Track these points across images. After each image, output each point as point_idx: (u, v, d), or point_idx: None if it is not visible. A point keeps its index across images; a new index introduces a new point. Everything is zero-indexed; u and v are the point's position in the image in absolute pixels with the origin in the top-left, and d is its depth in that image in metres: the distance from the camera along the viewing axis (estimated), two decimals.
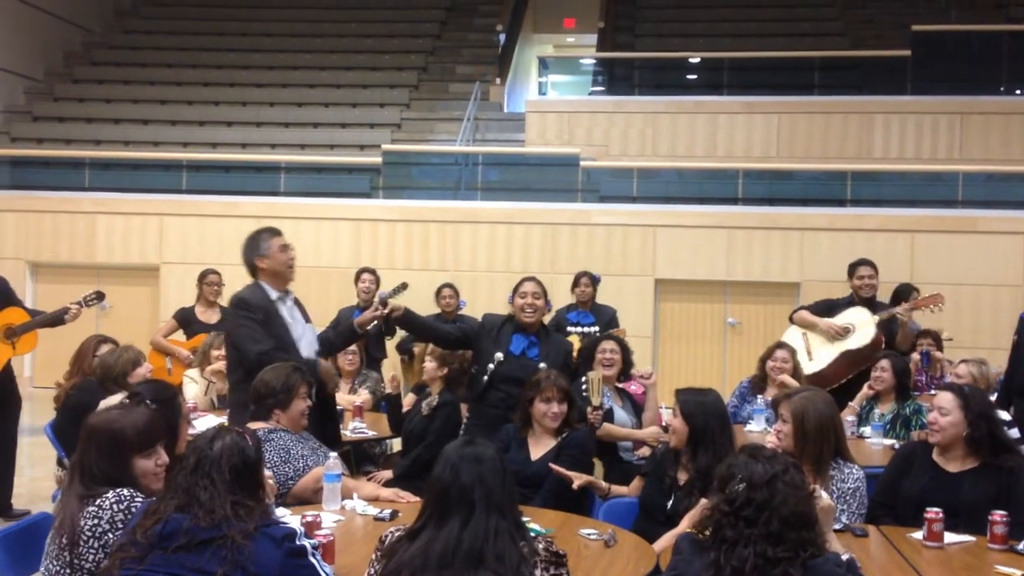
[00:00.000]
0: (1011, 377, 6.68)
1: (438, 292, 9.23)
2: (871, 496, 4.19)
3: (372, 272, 9.10)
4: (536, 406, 4.76)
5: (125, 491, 3.04)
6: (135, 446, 3.17)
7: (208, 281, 8.26)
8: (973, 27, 14.99)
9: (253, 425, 4.37)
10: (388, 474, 5.55)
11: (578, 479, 4.50)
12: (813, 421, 3.99)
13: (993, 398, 6.69)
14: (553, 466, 4.54)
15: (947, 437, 4.16)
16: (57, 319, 6.77)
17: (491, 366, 5.37)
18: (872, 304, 7.22)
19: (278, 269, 5.21)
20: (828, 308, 7.33)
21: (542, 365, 5.33)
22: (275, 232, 5.28)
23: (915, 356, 8.17)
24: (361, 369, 7.29)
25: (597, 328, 7.99)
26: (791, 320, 7.52)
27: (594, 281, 8.42)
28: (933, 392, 6.68)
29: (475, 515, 2.62)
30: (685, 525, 3.78)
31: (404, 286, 8.40)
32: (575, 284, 8.45)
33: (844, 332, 7.08)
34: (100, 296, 7.32)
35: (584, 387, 5.12)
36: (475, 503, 2.64)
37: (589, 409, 5.06)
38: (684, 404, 4.32)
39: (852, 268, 7.46)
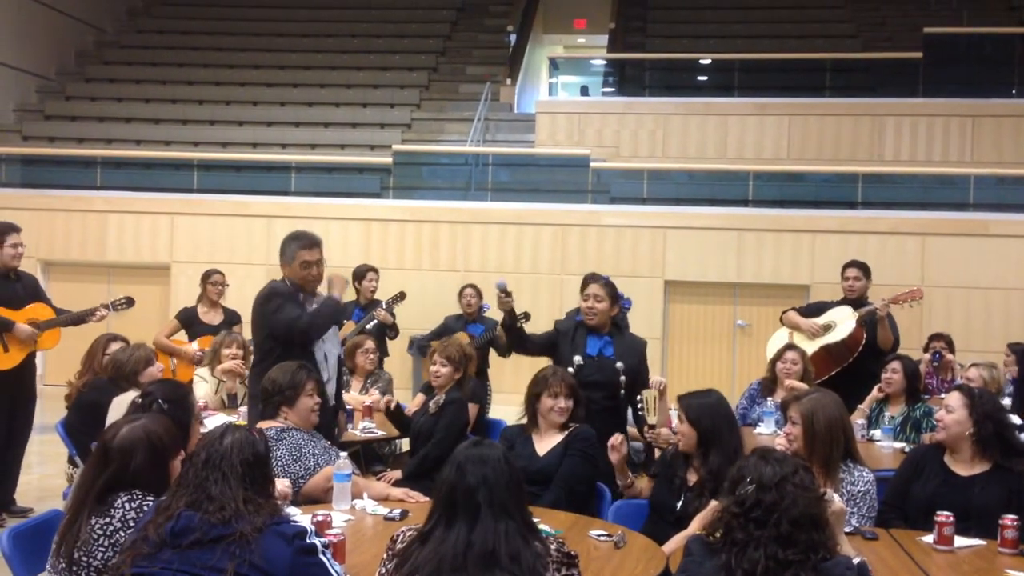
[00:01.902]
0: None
1: (460, 292, 9.15)
2: (881, 499, 4.19)
3: (376, 270, 9.05)
4: (543, 401, 4.74)
5: (137, 491, 3.06)
6: (170, 448, 3.20)
7: (212, 281, 8.22)
8: (985, 30, 14.96)
9: (264, 424, 4.39)
10: (397, 474, 5.55)
11: (616, 441, 4.50)
12: (822, 422, 3.99)
13: (1007, 402, 6.68)
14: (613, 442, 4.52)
15: (951, 435, 4.17)
16: (81, 319, 6.81)
17: (571, 371, 5.20)
18: (858, 304, 7.22)
19: (297, 281, 5.17)
20: (819, 309, 7.35)
21: (619, 364, 5.32)
22: (305, 244, 5.12)
23: (926, 356, 8.17)
24: (376, 368, 7.31)
25: None
26: (781, 321, 7.53)
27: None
28: (943, 396, 6.66)
29: (481, 516, 2.63)
30: (695, 527, 3.77)
31: (402, 296, 8.48)
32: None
33: (823, 330, 7.10)
34: (130, 302, 7.35)
35: (640, 406, 5.04)
36: (480, 504, 2.65)
37: (645, 428, 4.98)
38: (689, 409, 4.31)
39: (842, 270, 7.47)
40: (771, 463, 2.80)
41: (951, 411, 4.17)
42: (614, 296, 5.50)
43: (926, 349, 8.49)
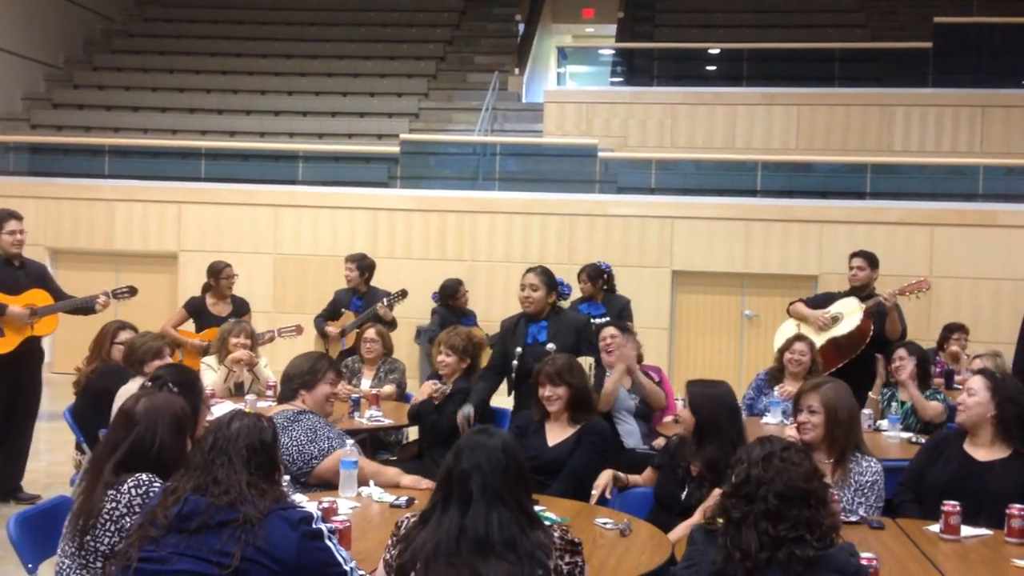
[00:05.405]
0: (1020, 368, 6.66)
1: (455, 291, 9.20)
2: (899, 481, 4.20)
3: (355, 260, 8.91)
4: (539, 391, 4.81)
5: (144, 476, 3.06)
6: (189, 425, 3.26)
7: (224, 276, 8.18)
8: (995, 20, 14.91)
9: (280, 407, 4.48)
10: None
11: (599, 486, 4.42)
12: (845, 412, 4.00)
13: None
14: (596, 492, 4.42)
15: (972, 416, 4.14)
16: (86, 308, 6.82)
17: (515, 363, 5.62)
18: (863, 293, 7.20)
19: None
20: (825, 300, 7.32)
21: (550, 346, 5.47)
22: None
23: (938, 379, 8.07)
24: (386, 356, 7.25)
25: (608, 318, 7.97)
26: (788, 312, 7.51)
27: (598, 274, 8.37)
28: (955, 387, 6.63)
29: (472, 503, 2.64)
30: (699, 516, 3.78)
31: (404, 294, 8.45)
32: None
33: (832, 321, 7.08)
34: (132, 291, 7.35)
35: None
36: (472, 491, 2.65)
37: None
38: (692, 396, 4.32)
39: (848, 259, 7.46)
40: (763, 444, 2.84)
41: (973, 394, 4.16)
42: (550, 284, 5.75)
43: (941, 340, 8.42)
